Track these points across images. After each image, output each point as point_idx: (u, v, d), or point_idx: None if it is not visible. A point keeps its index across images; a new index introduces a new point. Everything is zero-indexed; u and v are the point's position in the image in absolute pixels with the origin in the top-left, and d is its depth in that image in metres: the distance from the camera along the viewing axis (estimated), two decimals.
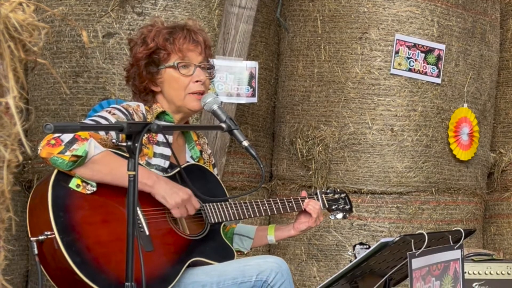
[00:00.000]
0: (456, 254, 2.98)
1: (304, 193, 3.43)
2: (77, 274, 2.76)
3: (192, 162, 3.28)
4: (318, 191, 3.49)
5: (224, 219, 3.17)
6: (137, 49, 3.19)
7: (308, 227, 3.38)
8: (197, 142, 3.34)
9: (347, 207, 3.54)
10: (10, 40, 1.51)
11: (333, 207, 3.51)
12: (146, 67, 3.17)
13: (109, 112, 3.04)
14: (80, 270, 2.76)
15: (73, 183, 2.86)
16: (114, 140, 2.98)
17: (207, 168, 3.31)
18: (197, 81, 3.17)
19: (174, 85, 3.17)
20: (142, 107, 3.17)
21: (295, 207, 3.37)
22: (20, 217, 2.85)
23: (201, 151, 3.34)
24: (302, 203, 3.37)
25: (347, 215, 3.54)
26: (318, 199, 3.44)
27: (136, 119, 3.07)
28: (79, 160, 2.82)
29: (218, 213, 3.16)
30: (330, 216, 3.54)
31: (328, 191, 3.53)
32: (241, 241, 3.43)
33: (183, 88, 3.17)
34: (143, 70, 3.17)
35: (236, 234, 3.44)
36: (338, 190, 3.59)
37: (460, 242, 3.00)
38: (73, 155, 2.80)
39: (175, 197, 2.97)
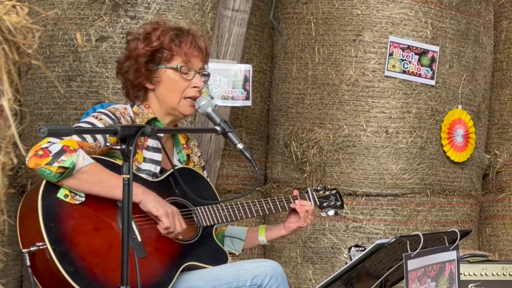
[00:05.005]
0: (451, 255, 2.98)
1: (296, 192, 3.42)
2: (70, 284, 2.75)
3: (181, 165, 3.26)
4: (309, 189, 3.47)
5: (216, 221, 3.16)
6: (138, 44, 3.15)
7: (298, 227, 3.36)
8: (184, 145, 3.32)
9: (338, 203, 3.52)
10: (4, 43, 1.50)
11: (324, 204, 3.49)
12: (146, 64, 3.14)
13: (96, 118, 3.02)
14: (74, 280, 2.75)
15: (61, 193, 2.85)
16: (108, 144, 2.97)
17: (197, 171, 3.30)
18: (194, 87, 3.17)
19: (172, 87, 3.16)
20: (129, 109, 3.15)
21: (286, 206, 3.36)
22: (15, 221, 2.83)
23: (188, 155, 3.32)
24: (294, 202, 3.36)
25: (338, 211, 3.51)
26: (309, 197, 3.43)
27: (124, 123, 3.04)
28: (66, 172, 2.81)
29: (209, 216, 3.15)
30: (321, 213, 3.51)
31: (318, 188, 3.51)
32: (232, 243, 3.42)
33: (180, 92, 3.16)
34: (142, 67, 3.14)
35: (227, 236, 3.43)
36: (329, 186, 3.57)
37: (456, 243, 3.00)
38: (60, 167, 2.79)
39: (165, 207, 2.96)
